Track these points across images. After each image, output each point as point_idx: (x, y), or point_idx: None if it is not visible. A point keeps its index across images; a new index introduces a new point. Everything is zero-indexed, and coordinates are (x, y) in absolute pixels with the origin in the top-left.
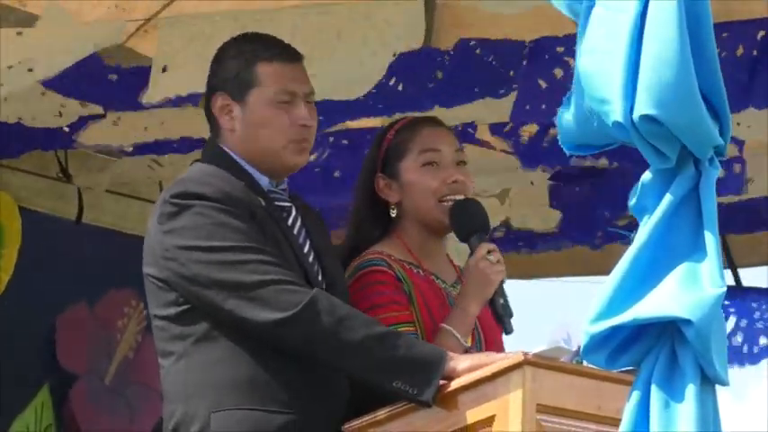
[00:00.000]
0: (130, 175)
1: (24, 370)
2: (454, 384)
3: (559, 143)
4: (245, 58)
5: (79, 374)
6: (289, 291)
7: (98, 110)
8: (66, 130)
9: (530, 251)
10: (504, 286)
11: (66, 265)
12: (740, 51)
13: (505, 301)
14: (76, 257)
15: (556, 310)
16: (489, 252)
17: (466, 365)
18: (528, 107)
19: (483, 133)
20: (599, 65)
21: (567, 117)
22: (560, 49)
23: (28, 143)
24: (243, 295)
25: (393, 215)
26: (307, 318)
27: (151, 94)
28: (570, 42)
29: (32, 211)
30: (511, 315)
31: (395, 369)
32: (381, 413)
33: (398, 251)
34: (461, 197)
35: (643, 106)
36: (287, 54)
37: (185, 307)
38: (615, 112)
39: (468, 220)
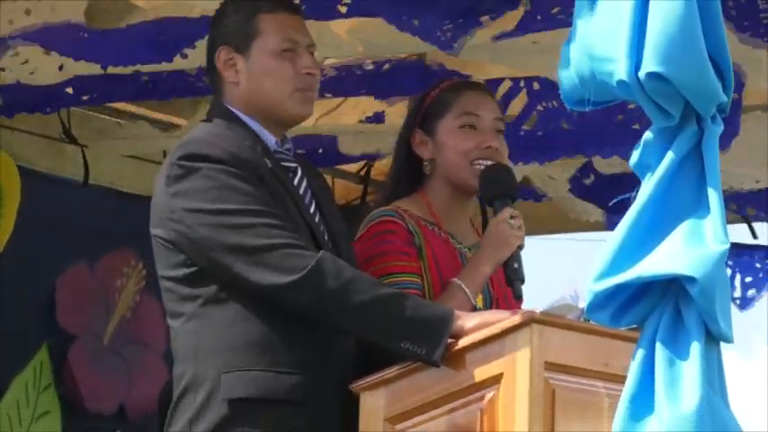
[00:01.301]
0: (132, 134)
1: (24, 329)
2: (462, 343)
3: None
4: (246, 10)
5: (78, 334)
6: (295, 254)
7: (96, 68)
8: (70, 90)
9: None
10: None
11: (66, 224)
12: None
13: (519, 266)
14: (77, 217)
15: (566, 268)
16: (512, 217)
17: (474, 323)
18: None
19: None
20: (602, 24)
21: (567, 73)
22: (556, 10)
23: (28, 105)
24: (250, 259)
25: (426, 172)
26: (313, 281)
27: None
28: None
29: (33, 170)
30: (522, 280)
31: (402, 330)
32: (390, 372)
33: (419, 208)
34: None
35: (650, 63)
36: (287, 5)
37: (194, 269)
38: (620, 71)
39: (496, 184)
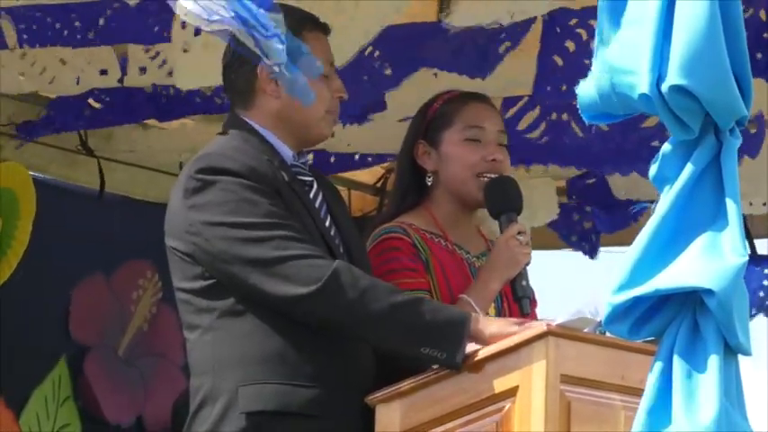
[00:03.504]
0: (148, 146)
1: (42, 342)
2: (478, 355)
3: (579, 112)
4: (290, 27)
5: (91, 346)
6: (312, 265)
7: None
8: (97, 105)
9: None
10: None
11: (82, 236)
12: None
13: (527, 282)
14: (93, 229)
15: (586, 282)
16: (520, 233)
17: (492, 330)
18: (549, 87)
19: None
20: (624, 37)
21: (587, 87)
22: (574, 22)
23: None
24: (266, 271)
25: (429, 183)
26: (330, 291)
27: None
28: (585, 15)
29: (48, 181)
30: (530, 298)
31: (421, 336)
32: (406, 384)
33: (423, 221)
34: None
35: (674, 77)
36: (323, 25)
37: (211, 281)
38: (642, 84)
39: (502, 198)
